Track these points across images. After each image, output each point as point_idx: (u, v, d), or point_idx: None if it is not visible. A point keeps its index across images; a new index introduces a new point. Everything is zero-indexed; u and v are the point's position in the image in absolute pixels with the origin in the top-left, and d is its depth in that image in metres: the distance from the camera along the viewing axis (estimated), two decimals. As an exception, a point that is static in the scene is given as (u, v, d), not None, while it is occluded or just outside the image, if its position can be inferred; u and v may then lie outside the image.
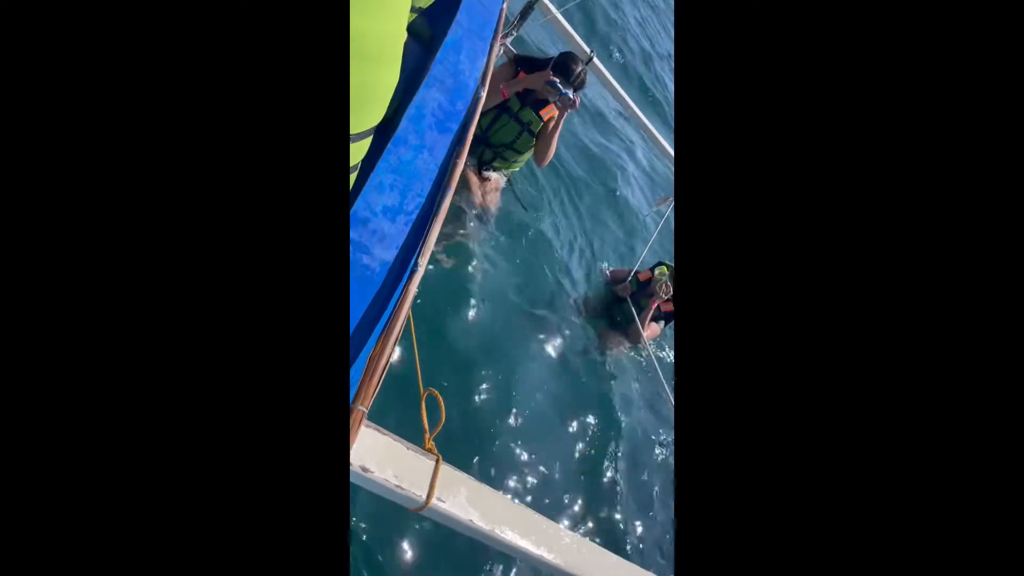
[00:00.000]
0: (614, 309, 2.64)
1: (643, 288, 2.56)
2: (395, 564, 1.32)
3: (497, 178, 2.40)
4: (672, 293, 2.53)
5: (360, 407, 0.80)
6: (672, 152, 2.71)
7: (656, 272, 2.63)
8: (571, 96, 2.06)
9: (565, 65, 2.09)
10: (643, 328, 2.47)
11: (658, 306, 2.52)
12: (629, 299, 2.55)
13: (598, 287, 2.74)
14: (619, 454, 2.05)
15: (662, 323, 2.62)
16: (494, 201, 2.35)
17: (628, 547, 1.82)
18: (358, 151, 0.99)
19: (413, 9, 1.19)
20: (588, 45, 2.33)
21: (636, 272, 2.60)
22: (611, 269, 2.81)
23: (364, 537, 1.29)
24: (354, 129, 0.92)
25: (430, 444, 0.89)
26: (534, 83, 2.08)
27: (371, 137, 1.01)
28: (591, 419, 2.08)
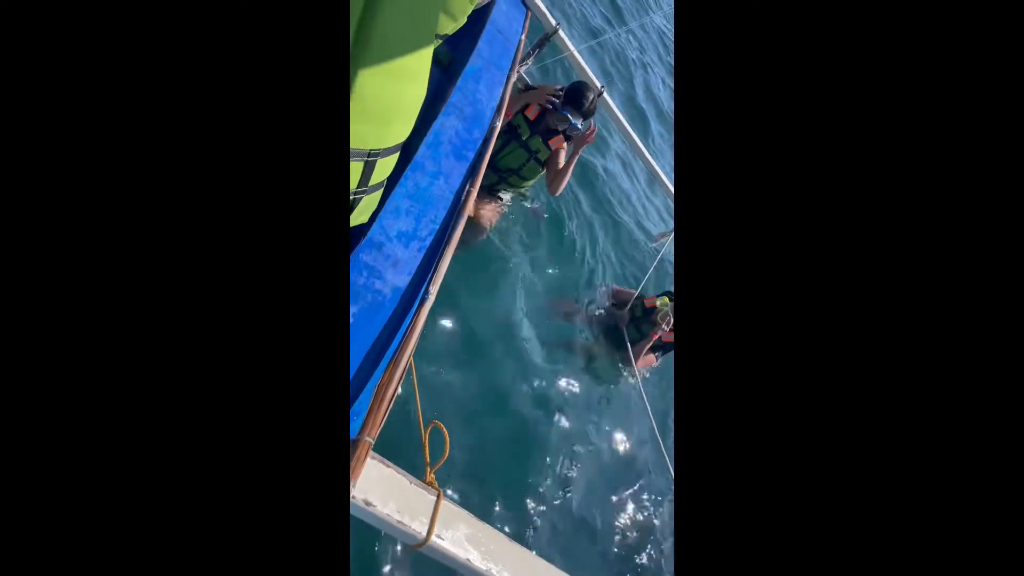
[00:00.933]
0: (615, 331, 2.65)
1: (647, 315, 2.58)
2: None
3: (499, 202, 2.41)
4: (673, 325, 2.55)
5: (367, 438, 0.78)
6: (666, 181, 2.75)
7: (659, 302, 2.65)
8: (579, 127, 2.10)
9: (578, 93, 2.12)
10: (639, 356, 2.48)
11: (659, 337, 2.54)
12: (627, 327, 2.56)
13: (601, 305, 2.75)
14: (615, 491, 2.04)
15: (659, 354, 2.63)
16: (492, 222, 2.36)
17: None
18: (386, 166, 0.99)
19: (439, 36, 1.21)
20: (599, 80, 2.38)
21: (642, 298, 2.62)
22: (615, 287, 2.83)
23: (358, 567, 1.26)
24: (383, 144, 0.93)
25: (431, 478, 0.87)
26: (536, 97, 2.12)
27: (399, 153, 1.01)
28: (590, 452, 2.07)
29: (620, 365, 2.54)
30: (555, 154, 2.23)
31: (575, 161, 2.23)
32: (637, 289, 2.66)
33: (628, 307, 2.61)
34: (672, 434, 2.51)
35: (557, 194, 2.32)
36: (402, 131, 0.97)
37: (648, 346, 2.48)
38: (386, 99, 0.87)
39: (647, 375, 2.58)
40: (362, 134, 0.87)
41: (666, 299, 2.65)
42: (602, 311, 2.74)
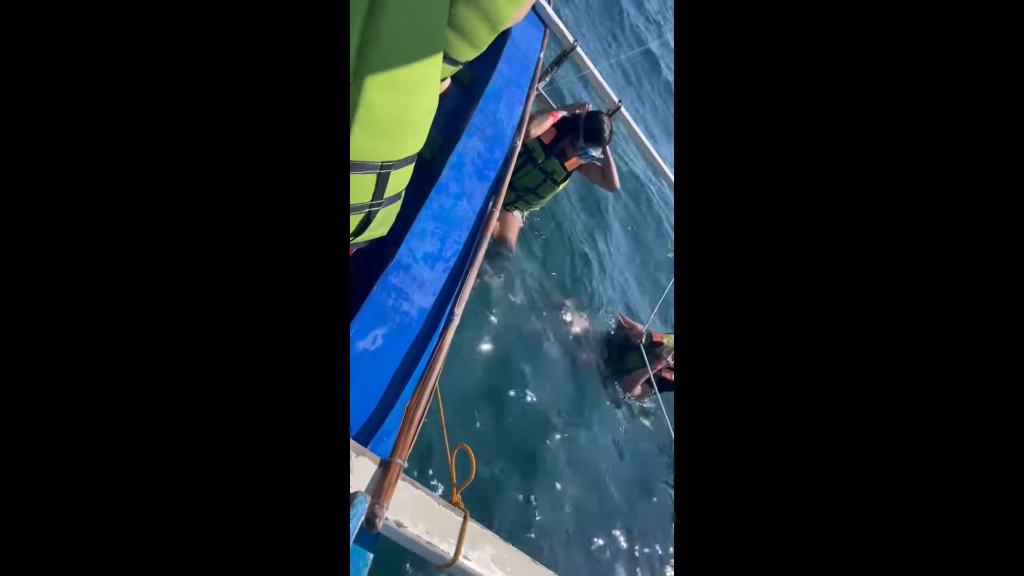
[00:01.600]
0: (622, 353, 2.66)
1: (651, 348, 2.59)
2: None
3: (517, 216, 2.44)
4: (672, 363, 2.56)
5: (398, 460, 0.81)
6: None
7: (666, 339, 2.66)
8: (596, 156, 2.14)
9: (597, 129, 2.15)
10: (637, 383, 2.50)
11: (660, 368, 2.55)
12: (632, 354, 2.57)
13: (608, 327, 2.76)
14: (627, 513, 2.04)
15: (653, 391, 2.63)
16: (513, 238, 2.39)
17: None
18: (401, 178, 1.00)
19: (456, 62, 1.23)
20: (616, 95, 2.40)
21: (650, 333, 2.64)
22: (621, 317, 2.84)
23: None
24: (395, 156, 0.94)
25: (457, 499, 0.89)
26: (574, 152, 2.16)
27: (413, 164, 1.03)
28: (600, 474, 2.07)
29: (618, 389, 2.55)
30: (588, 168, 2.27)
31: (613, 164, 2.28)
32: (644, 324, 2.68)
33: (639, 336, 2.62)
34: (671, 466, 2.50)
35: (616, 187, 2.37)
36: (414, 143, 0.99)
37: (645, 377, 2.48)
38: (395, 112, 0.88)
39: (641, 404, 2.58)
40: (373, 147, 0.87)
41: (671, 338, 2.66)
42: (612, 331, 2.76)
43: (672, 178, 2.66)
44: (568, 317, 2.53)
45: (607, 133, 2.15)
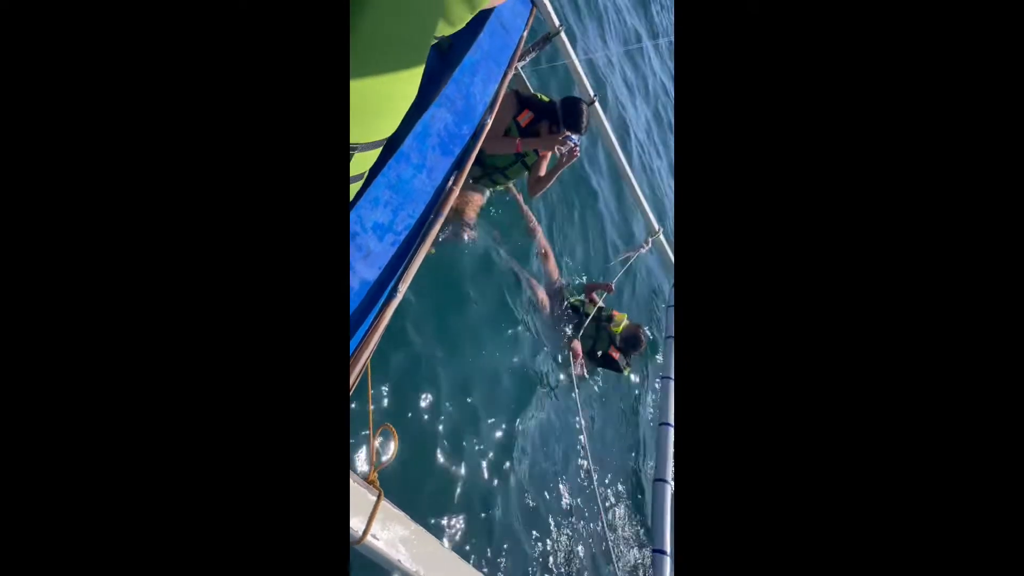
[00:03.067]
0: (575, 314, 2.71)
1: (602, 320, 2.68)
2: None
3: (479, 194, 2.41)
4: (620, 343, 2.63)
5: (317, 435, 0.78)
6: (643, 200, 2.83)
7: (618, 316, 2.74)
8: (575, 143, 2.11)
9: (576, 113, 2.12)
10: (580, 357, 2.57)
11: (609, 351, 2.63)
12: (587, 324, 2.63)
13: (573, 294, 2.80)
14: (549, 498, 2.09)
15: (593, 366, 2.71)
16: (473, 215, 2.35)
17: None
18: (365, 160, 0.97)
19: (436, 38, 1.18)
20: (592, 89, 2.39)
21: (611, 309, 2.71)
22: (590, 284, 2.91)
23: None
24: (367, 138, 0.91)
25: (373, 477, 0.88)
26: (549, 144, 2.11)
27: (381, 148, 1.00)
28: (546, 460, 2.11)
29: (564, 357, 2.59)
30: (541, 159, 2.24)
31: (556, 177, 2.25)
32: (612, 281, 2.76)
33: (596, 307, 2.69)
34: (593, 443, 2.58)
35: (535, 198, 2.34)
36: (386, 128, 0.96)
37: (581, 357, 2.55)
38: (373, 96, 0.85)
39: (582, 375, 2.65)
40: None
41: (625, 317, 2.73)
42: (568, 303, 2.80)
43: (634, 183, 2.70)
44: (524, 283, 2.53)
45: (585, 119, 2.12)
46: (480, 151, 2.19)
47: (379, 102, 0.88)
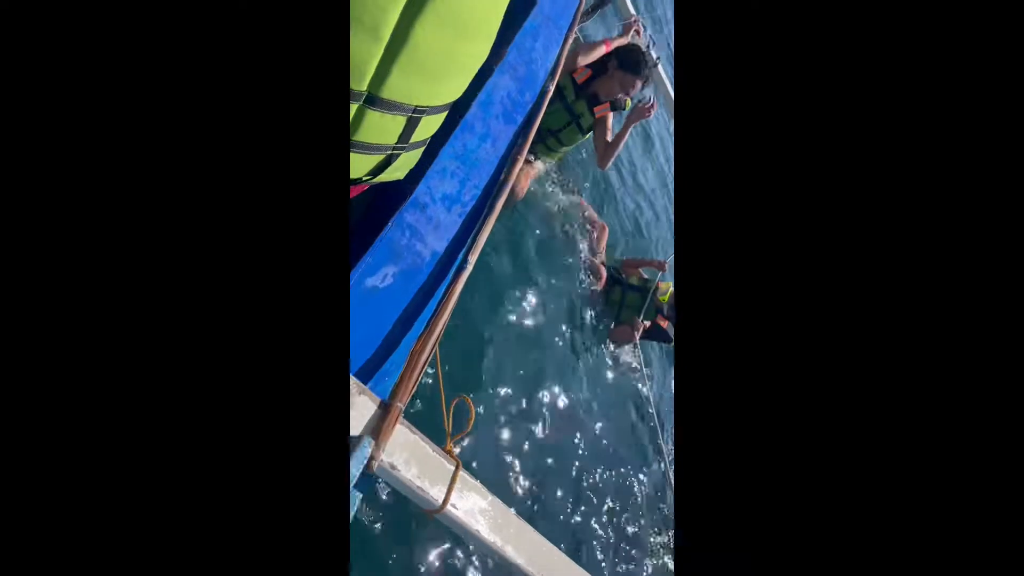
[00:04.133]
0: (624, 290, 2.66)
1: (655, 294, 2.62)
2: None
3: (534, 166, 2.35)
4: (668, 311, 2.59)
5: (398, 404, 0.79)
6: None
7: (663, 285, 2.67)
8: (648, 101, 2.02)
9: (634, 55, 2.01)
10: (636, 327, 2.52)
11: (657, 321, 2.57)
12: (629, 292, 2.58)
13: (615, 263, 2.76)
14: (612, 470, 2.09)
15: (639, 335, 2.66)
16: (525, 185, 2.30)
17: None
18: (430, 125, 0.94)
19: None
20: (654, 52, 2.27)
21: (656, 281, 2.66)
22: (625, 259, 2.85)
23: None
24: (432, 101, 0.88)
25: (450, 448, 0.89)
26: (611, 89, 2.01)
27: (447, 112, 0.97)
28: (608, 432, 2.11)
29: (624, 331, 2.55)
30: (600, 122, 2.14)
31: (627, 136, 2.16)
32: (665, 262, 2.70)
33: (643, 280, 2.64)
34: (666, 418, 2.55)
35: (606, 168, 2.26)
36: (455, 89, 0.92)
37: (642, 325, 2.50)
38: (441, 53, 0.81)
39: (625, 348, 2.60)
40: (409, 88, 0.80)
41: (670, 285, 2.68)
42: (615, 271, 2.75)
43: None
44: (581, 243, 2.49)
45: (646, 63, 2.01)
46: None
47: (447, 61, 0.84)
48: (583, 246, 2.52)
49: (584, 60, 1.98)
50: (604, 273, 2.55)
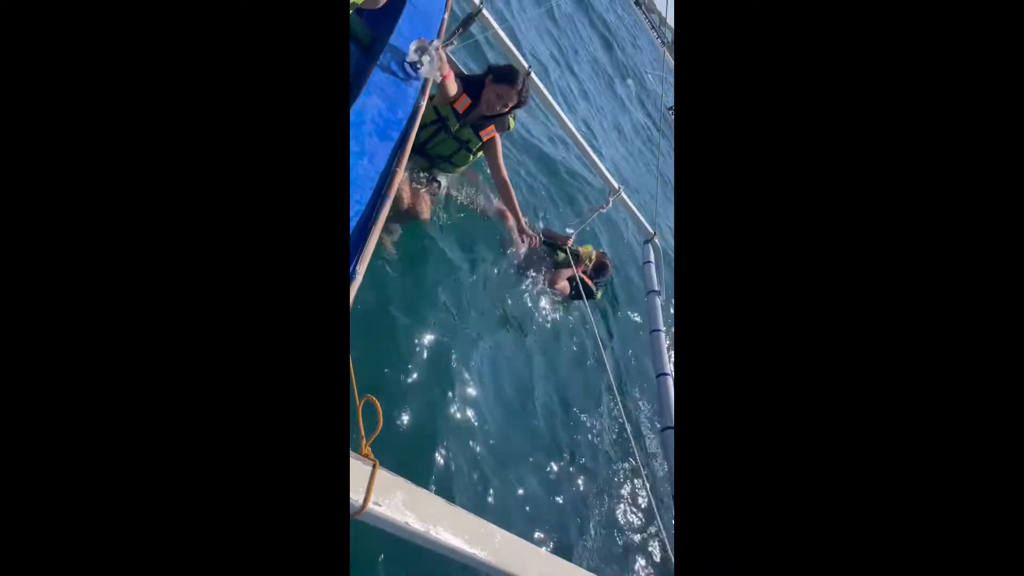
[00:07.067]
0: (549, 249, 2.81)
1: (575, 254, 2.83)
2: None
3: (435, 185, 2.41)
4: (591, 272, 2.84)
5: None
6: (599, 164, 2.88)
7: (584, 249, 2.90)
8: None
9: (509, 71, 2.13)
10: (561, 279, 2.71)
11: (581, 271, 2.75)
12: (567, 250, 2.73)
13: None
14: (560, 444, 2.12)
15: (572, 290, 2.79)
16: (426, 210, 2.34)
17: (570, 546, 1.89)
18: None
19: (353, 6, 1.18)
20: (526, 61, 2.41)
21: (577, 246, 2.85)
22: (545, 229, 3.01)
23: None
24: None
25: (367, 450, 0.90)
26: (491, 103, 2.12)
27: None
28: (531, 408, 2.14)
29: (542, 282, 2.66)
30: (489, 143, 2.25)
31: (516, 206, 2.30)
32: (571, 236, 2.87)
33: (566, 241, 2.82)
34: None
35: (503, 178, 2.39)
36: None
37: (570, 274, 2.67)
38: None
39: (558, 300, 2.71)
40: None
41: (591, 247, 2.91)
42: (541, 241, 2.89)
43: (585, 145, 2.73)
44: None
45: (521, 79, 2.13)
46: (422, 144, 2.20)
47: None
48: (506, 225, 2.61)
49: (451, 92, 2.09)
50: (536, 237, 2.66)
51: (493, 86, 2.12)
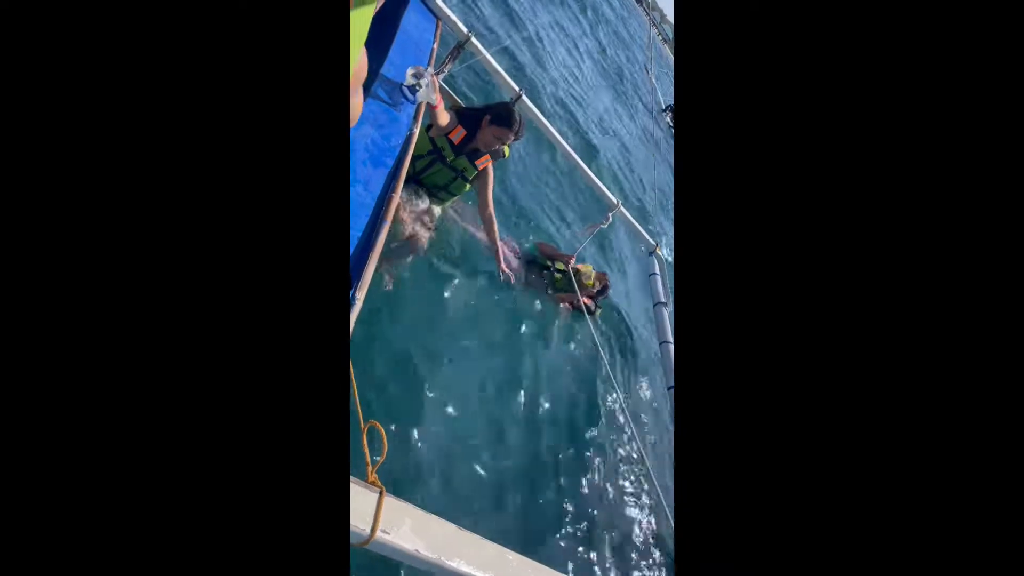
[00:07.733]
0: (546, 272, 2.82)
1: (576, 275, 2.83)
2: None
3: (428, 209, 2.42)
4: (592, 293, 2.86)
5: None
6: (596, 180, 2.90)
7: (584, 268, 2.88)
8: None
9: (506, 113, 2.17)
10: (563, 303, 2.73)
11: (582, 297, 2.73)
12: (569, 271, 2.73)
13: (531, 258, 2.92)
14: (559, 464, 2.08)
15: (575, 309, 2.80)
16: (425, 242, 2.35)
17: (574, 564, 1.84)
18: None
19: None
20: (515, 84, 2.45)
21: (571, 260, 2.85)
22: (542, 244, 3.03)
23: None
24: None
25: (373, 477, 0.88)
26: (488, 141, 2.16)
27: None
28: (535, 428, 2.11)
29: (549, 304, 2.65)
30: (483, 173, 2.28)
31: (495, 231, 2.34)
32: (572, 255, 2.88)
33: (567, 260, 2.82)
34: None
35: (488, 211, 2.42)
36: None
37: (571, 299, 2.70)
38: None
39: (559, 318, 2.71)
40: None
41: (591, 268, 2.91)
42: (534, 255, 2.92)
43: (583, 166, 2.75)
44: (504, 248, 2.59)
45: (517, 117, 2.17)
46: (418, 174, 2.23)
47: None
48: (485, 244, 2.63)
49: (442, 122, 2.13)
50: (514, 260, 2.67)
51: (491, 127, 2.16)
